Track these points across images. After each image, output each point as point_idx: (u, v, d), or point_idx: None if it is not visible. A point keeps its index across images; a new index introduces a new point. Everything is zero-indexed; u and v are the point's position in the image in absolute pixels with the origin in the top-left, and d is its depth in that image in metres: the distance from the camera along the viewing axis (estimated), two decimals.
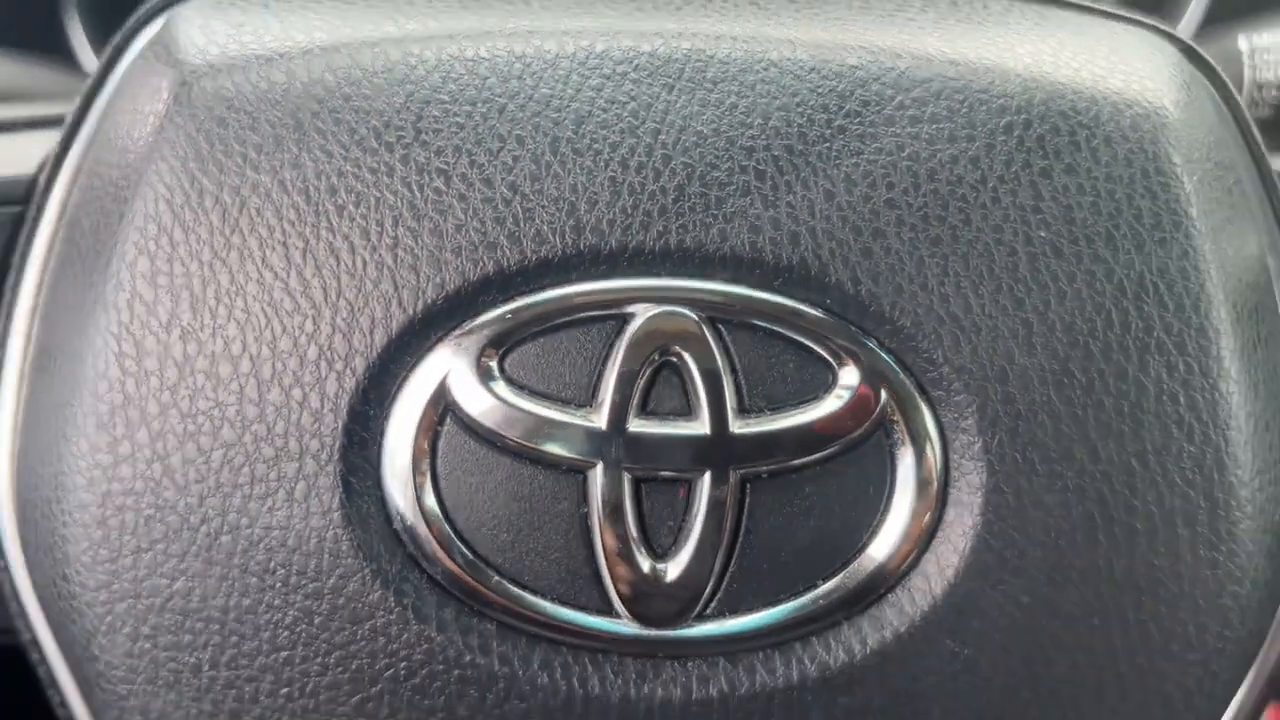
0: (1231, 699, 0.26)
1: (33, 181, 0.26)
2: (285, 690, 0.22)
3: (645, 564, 0.22)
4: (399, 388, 0.22)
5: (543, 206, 0.22)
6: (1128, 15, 0.28)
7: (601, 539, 0.22)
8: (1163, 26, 0.28)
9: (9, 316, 0.25)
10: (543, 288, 0.22)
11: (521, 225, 0.22)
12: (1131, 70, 0.24)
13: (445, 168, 0.22)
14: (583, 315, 0.22)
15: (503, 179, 0.22)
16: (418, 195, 0.22)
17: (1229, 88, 0.28)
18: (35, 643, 0.25)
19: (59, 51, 0.49)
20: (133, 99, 0.24)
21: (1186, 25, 0.49)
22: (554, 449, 0.22)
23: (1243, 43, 0.41)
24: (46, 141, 0.27)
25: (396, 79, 0.22)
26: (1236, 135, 0.27)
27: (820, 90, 0.22)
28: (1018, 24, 0.25)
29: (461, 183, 0.22)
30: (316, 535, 0.22)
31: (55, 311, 0.24)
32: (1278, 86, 0.40)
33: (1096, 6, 0.28)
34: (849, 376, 0.22)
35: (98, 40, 0.50)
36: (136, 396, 0.22)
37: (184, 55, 0.24)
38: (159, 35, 0.26)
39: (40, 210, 0.26)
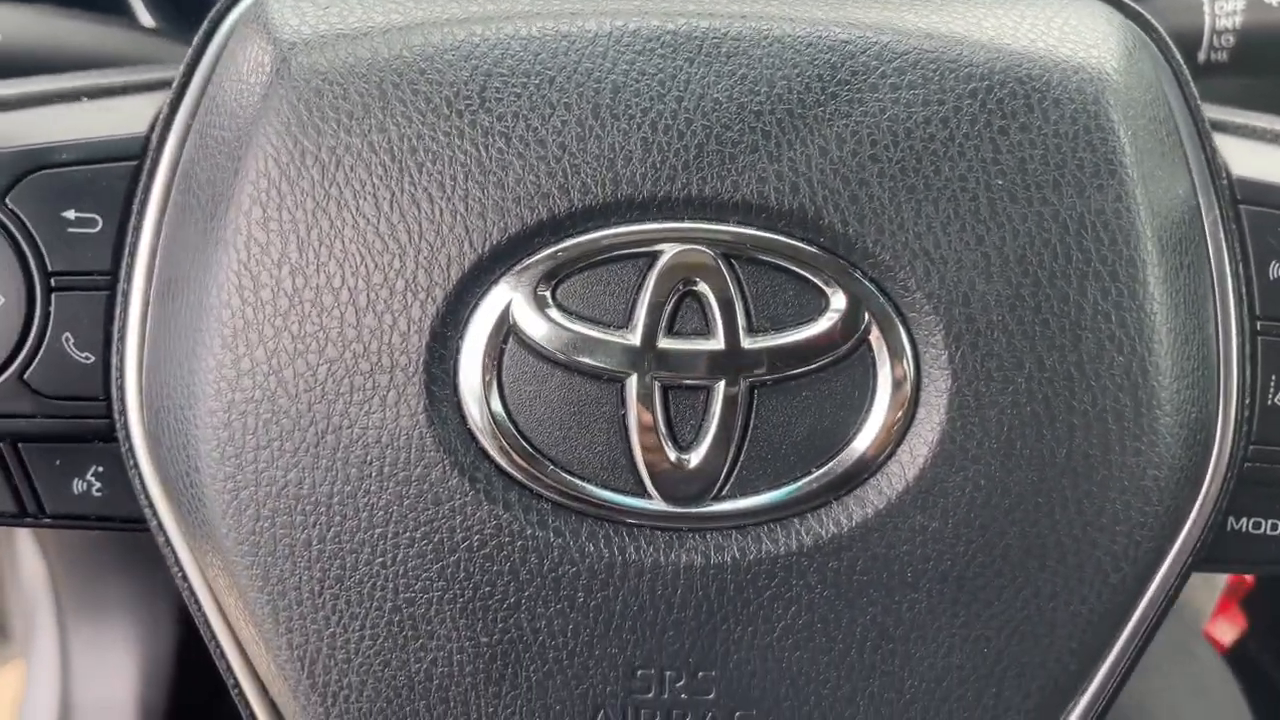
0: (1159, 566, 0.30)
1: (145, 140, 0.30)
2: (380, 559, 0.27)
3: (672, 454, 0.26)
4: (470, 313, 0.26)
5: (587, 163, 0.26)
6: None
7: (637, 434, 0.26)
8: None
9: (132, 254, 0.29)
10: (587, 230, 0.26)
11: (570, 178, 0.26)
12: (1080, 40, 0.28)
13: (506, 130, 0.26)
14: (620, 253, 0.26)
15: (554, 140, 0.26)
16: (484, 154, 0.26)
17: (1171, 49, 0.32)
18: (161, 528, 0.30)
19: (118, 10, 0.52)
20: (236, 70, 0.28)
21: None
22: (597, 362, 0.26)
23: None
24: (151, 103, 0.31)
25: (463, 55, 0.26)
26: (1176, 90, 0.31)
27: (816, 62, 0.26)
28: (986, 0, 0.29)
29: (520, 143, 0.26)
30: (405, 434, 0.26)
31: (177, 250, 0.28)
32: (1233, 34, 0.44)
33: None
34: (838, 301, 0.26)
35: (154, 4, 0.53)
36: (255, 321, 0.26)
37: (281, 33, 0.28)
38: (253, 11, 0.29)
39: (155, 164, 0.30)
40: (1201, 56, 0.43)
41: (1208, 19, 0.43)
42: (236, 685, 0.31)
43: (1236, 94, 0.46)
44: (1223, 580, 0.58)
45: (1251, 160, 0.30)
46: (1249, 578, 0.58)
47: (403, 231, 0.26)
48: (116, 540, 1.02)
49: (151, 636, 1.15)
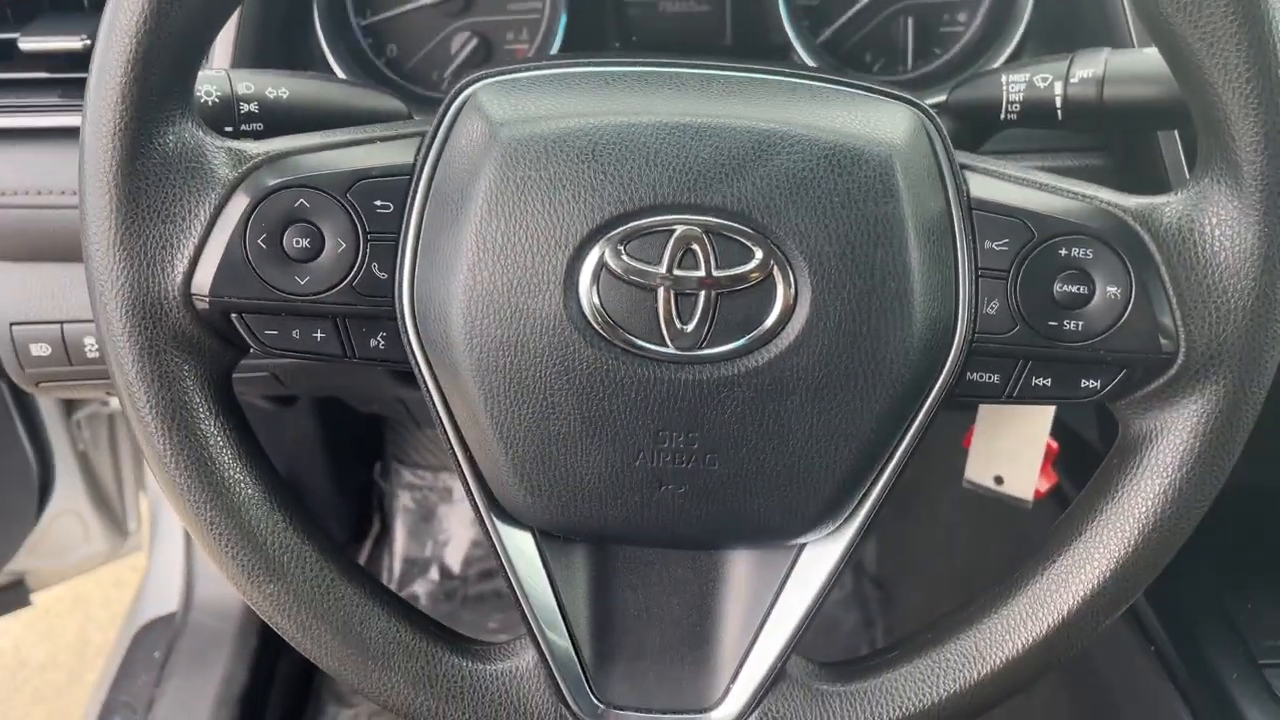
0: (926, 393, 0.52)
1: (413, 165, 0.52)
2: (538, 376, 0.54)
3: (678, 325, 0.49)
4: (584, 258, 0.49)
5: (641, 186, 0.51)
6: (897, 94, 0.57)
7: (662, 315, 0.49)
8: (912, 99, 0.57)
9: (407, 223, 0.52)
10: (641, 218, 0.48)
11: (634, 193, 0.51)
12: (888, 126, 0.51)
13: (604, 171, 0.52)
14: (657, 229, 0.48)
15: (626, 176, 0.51)
16: (594, 181, 0.51)
17: (941, 129, 0.52)
18: (418, 365, 0.55)
19: (322, 69, 0.79)
20: (467, 133, 0.52)
21: (1002, 60, 0.77)
22: (643, 281, 0.49)
23: (1003, 77, 0.69)
24: (411, 145, 0.53)
25: (584, 132, 0.52)
26: (943, 149, 0.54)
27: (751, 138, 0.50)
28: (837, 102, 0.54)
29: (611, 177, 0.51)
30: (553, 313, 0.52)
31: (435, 225, 0.53)
32: (1019, 103, 0.68)
33: (881, 90, 0.57)
34: (759, 254, 0.48)
35: (340, 60, 0.79)
36: (485, 256, 0.52)
37: (491, 115, 0.53)
38: (471, 99, 0.54)
39: (419, 179, 0.52)
40: (1002, 116, 0.69)
41: (1004, 94, 0.66)
42: (459, 469, 0.54)
43: (1013, 135, 0.72)
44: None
45: (983, 185, 0.52)
46: (1055, 446, 0.84)
47: (554, 216, 0.52)
48: None
49: None
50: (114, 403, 1.53)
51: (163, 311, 0.54)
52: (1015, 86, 0.64)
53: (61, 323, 0.80)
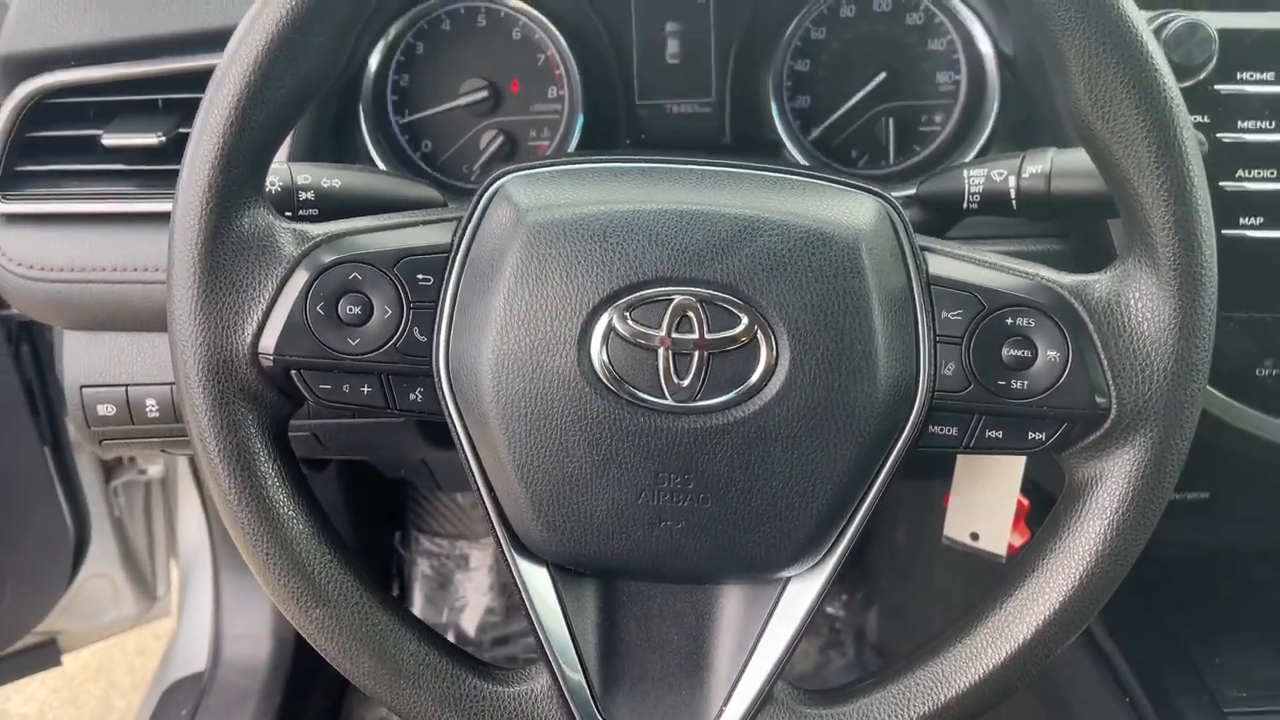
0: (892, 443, 0.58)
1: (450, 244, 0.62)
2: (554, 425, 0.62)
3: (676, 380, 0.56)
4: (595, 323, 0.55)
5: (644, 263, 0.59)
6: (864, 186, 0.62)
7: (661, 372, 0.56)
8: (878, 190, 0.63)
9: (444, 293, 0.59)
10: (644, 289, 0.55)
11: (638, 268, 0.61)
12: (856, 213, 0.58)
13: (612, 249, 0.60)
14: (658, 299, 0.54)
15: (633, 254, 0.60)
16: (604, 258, 0.58)
17: (904, 216, 0.59)
18: (450, 417, 0.64)
19: (365, 161, 0.89)
20: (497, 218, 0.60)
21: (973, 154, 0.87)
22: (646, 342, 0.54)
23: (965, 172, 0.77)
24: (448, 228, 0.61)
25: (595, 217, 0.60)
26: (905, 237, 0.61)
27: (738, 223, 0.57)
28: (813, 193, 0.62)
29: (618, 254, 0.60)
30: (568, 370, 0.60)
31: (468, 295, 0.61)
32: (979, 194, 0.76)
33: (851, 183, 0.62)
34: (745, 320, 0.55)
35: (381, 154, 0.89)
36: (510, 322, 0.61)
37: (518, 202, 0.60)
38: (501, 190, 0.61)
39: (455, 256, 0.59)
40: (964, 206, 0.77)
41: (965, 186, 0.72)
42: (484, 508, 0.60)
43: (984, 223, 0.81)
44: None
45: (940, 264, 0.57)
46: (1026, 503, 0.91)
47: (570, 287, 0.60)
48: None
49: None
50: (151, 470, 1.62)
51: (233, 368, 0.63)
52: (975, 180, 0.72)
53: (126, 385, 0.89)
